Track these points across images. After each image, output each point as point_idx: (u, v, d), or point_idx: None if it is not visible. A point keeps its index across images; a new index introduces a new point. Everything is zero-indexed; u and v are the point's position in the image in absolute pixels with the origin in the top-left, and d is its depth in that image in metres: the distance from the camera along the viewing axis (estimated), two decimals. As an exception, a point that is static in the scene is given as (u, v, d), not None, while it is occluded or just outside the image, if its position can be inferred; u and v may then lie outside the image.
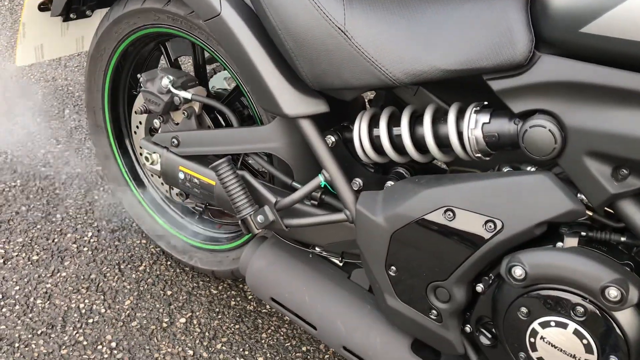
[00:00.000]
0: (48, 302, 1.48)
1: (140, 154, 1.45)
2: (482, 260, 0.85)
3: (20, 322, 1.43)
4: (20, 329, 1.41)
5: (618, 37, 0.69)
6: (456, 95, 0.93)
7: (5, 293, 1.49)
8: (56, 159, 1.86)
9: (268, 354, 1.37)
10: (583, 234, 0.81)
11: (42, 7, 1.45)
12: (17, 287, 1.51)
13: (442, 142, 0.91)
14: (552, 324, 0.79)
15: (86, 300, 1.48)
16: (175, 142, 1.22)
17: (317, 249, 1.12)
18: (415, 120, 0.94)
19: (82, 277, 1.54)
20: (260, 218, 1.03)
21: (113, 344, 1.39)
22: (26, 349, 1.37)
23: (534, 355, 0.82)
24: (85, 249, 1.61)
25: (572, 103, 0.76)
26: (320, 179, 0.99)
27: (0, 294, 1.48)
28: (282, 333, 1.42)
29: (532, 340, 0.82)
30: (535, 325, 0.81)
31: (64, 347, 1.38)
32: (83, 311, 1.46)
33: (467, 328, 0.93)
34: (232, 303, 1.49)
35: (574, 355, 0.79)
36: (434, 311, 0.94)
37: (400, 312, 0.98)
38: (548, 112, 0.78)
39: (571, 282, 0.77)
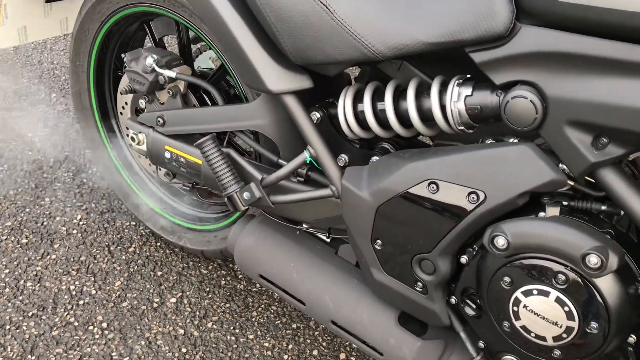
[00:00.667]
0: (38, 284, 1.48)
1: (127, 135, 1.44)
2: (465, 232, 0.86)
3: (10, 305, 1.43)
4: (11, 311, 1.41)
5: (595, 5, 0.69)
6: (439, 69, 0.93)
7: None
8: (43, 142, 1.85)
9: (259, 332, 1.38)
10: (564, 203, 0.81)
11: (25, -12, 1.44)
12: (7, 270, 1.51)
13: (426, 116, 0.91)
14: (535, 292, 0.80)
15: (76, 282, 1.48)
16: (161, 121, 1.22)
17: (304, 225, 1.13)
18: (400, 95, 0.94)
19: (72, 259, 1.54)
20: (246, 195, 1.03)
21: (104, 325, 1.39)
22: (17, 331, 1.37)
23: (517, 323, 0.83)
24: (75, 231, 1.61)
25: (553, 73, 0.76)
26: (305, 155, 1.00)
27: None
28: (272, 311, 1.43)
29: (515, 309, 0.83)
30: (518, 294, 0.82)
31: (55, 328, 1.38)
32: (73, 293, 1.46)
33: (453, 299, 0.94)
34: (222, 282, 1.50)
35: (556, 322, 0.80)
36: (419, 283, 0.94)
37: (387, 285, 0.98)
38: (529, 83, 0.78)
39: (552, 250, 0.77)
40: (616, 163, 0.76)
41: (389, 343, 1.01)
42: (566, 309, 0.78)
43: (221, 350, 1.34)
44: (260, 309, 1.44)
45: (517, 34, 0.78)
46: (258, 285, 1.49)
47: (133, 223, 1.63)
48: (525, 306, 0.82)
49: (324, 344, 1.36)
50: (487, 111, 0.84)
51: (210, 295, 1.46)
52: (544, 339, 0.82)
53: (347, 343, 1.37)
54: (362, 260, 1.01)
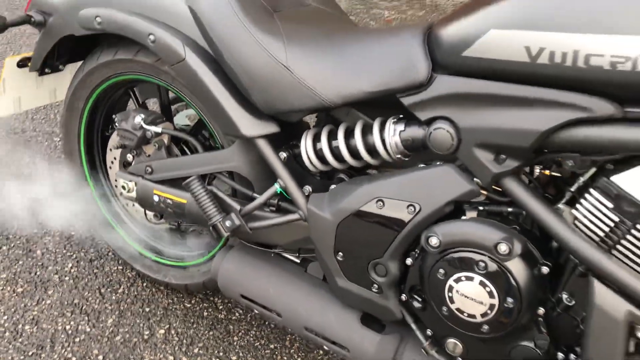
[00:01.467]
0: (36, 327, 1.62)
1: (116, 186, 1.63)
2: (407, 237, 1.07)
3: (11, 347, 1.56)
4: (12, 352, 1.54)
5: (486, 57, 0.94)
6: (379, 112, 1.16)
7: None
8: (32, 202, 2.01)
9: (240, 353, 1.55)
10: (480, 208, 1.04)
11: (20, 64, 1.64)
12: (5, 317, 1.64)
13: (371, 149, 1.14)
14: (463, 278, 1.01)
15: (72, 322, 1.63)
16: (150, 170, 1.42)
17: (277, 249, 1.33)
18: (349, 134, 1.17)
19: (66, 302, 1.68)
20: (228, 223, 1.23)
21: (100, 357, 1.54)
22: (19, 370, 1.50)
23: (452, 307, 1.04)
24: (67, 278, 1.76)
25: (462, 109, 0.99)
26: (276, 187, 1.21)
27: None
28: (251, 335, 1.60)
29: (450, 294, 1.04)
30: (450, 282, 1.03)
31: (54, 365, 1.52)
32: (70, 332, 1.60)
33: (403, 297, 1.14)
34: (205, 314, 1.66)
35: (482, 301, 1.01)
36: (375, 285, 1.15)
37: (349, 290, 1.18)
38: (445, 118, 1.02)
39: (473, 243, 0.99)
40: (515, 173, 0.99)
41: (353, 340, 1.20)
42: (488, 289, 1.00)
43: (208, 371, 1.50)
44: (240, 334, 1.60)
45: (434, 81, 1.02)
46: (237, 314, 1.66)
47: (120, 267, 1.79)
48: (457, 291, 1.03)
49: (297, 356, 1.54)
50: (417, 142, 1.07)
51: (195, 325, 1.62)
52: (473, 316, 1.03)
53: (319, 357, 1.54)
54: (327, 271, 1.21)
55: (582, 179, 0.94)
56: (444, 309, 1.06)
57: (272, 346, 1.57)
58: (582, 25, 0.83)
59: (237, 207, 1.25)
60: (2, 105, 1.67)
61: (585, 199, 0.93)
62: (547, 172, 1.02)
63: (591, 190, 0.92)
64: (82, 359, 1.53)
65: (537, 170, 1.03)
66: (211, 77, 1.19)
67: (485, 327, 1.03)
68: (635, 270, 0.90)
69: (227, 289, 1.36)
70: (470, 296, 1.02)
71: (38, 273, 1.77)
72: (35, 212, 1.89)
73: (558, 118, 0.88)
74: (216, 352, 1.55)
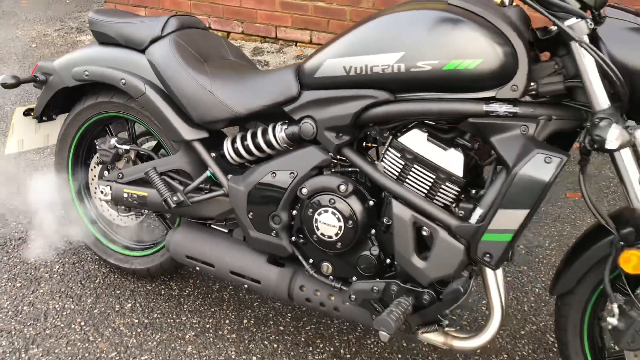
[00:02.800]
0: (32, 307, 2.10)
1: (95, 193, 2.18)
2: (291, 193, 1.65)
3: (13, 320, 2.04)
4: (14, 323, 2.02)
5: (326, 76, 1.56)
6: (271, 121, 1.76)
7: (1, 306, 2.10)
8: (22, 216, 2.52)
9: (189, 315, 2.05)
10: (334, 170, 1.64)
11: (25, 113, 2.22)
12: (8, 302, 2.12)
13: (268, 143, 1.74)
14: (322, 212, 1.59)
15: (59, 303, 2.12)
16: (121, 175, 1.98)
17: (211, 222, 1.89)
18: (254, 136, 1.77)
19: (54, 291, 2.18)
20: (175, 198, 1.80)
21: (82, 323, 2.03)
22: (20, 333, 1.98)
23: (318, 232, 1.60)
24: (55, 275, 2.26)
25: (317, 109, 1.60)
26: (207, 173, 1.79)
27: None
28: (197, 304, 2.11)
29: (316, 225, 1.61)
30: (316, 216, 1.60)
31: (47, 329, 2.00)
32: (58, 309, 2.09)
33: (293, 238, 1.70)
34: (163, 292, 2.17)
35: (334, 225, 1.57)
36: (273, 231, 1.71)
37: (258, 238, 1.74)
38: (309, 116, 1.63)
39: (325, 188, 1.58)
40: (349, 144, 1.59)
41: (263, 274, 1.75)
42: (337, 216, 1.57)
43: (163, 328, 2.00)
44: (189, 303, 2.11)
45: (301, 95, 1.63)
46: (187, 291, 2.18)
47: (97, 265, 2.30)
48: (320, 221, 1.60)
49: (231, 315, 2.05)
50: (295, 134, 1.68)
51: (154, 300, 2.13)
52: (331, 237, 1.59)
53: (249, 314, 2.06)
54: (243, 227, 1.77)
55: (386, 143, 1.56)
56: (314, 236, 1.63)
57: (212, 310, 2.08)
58: (366, 51, 1.47)
59: (181, 188, 1.83)
60: (10, 145, 2.23)
61: (387, 154, 1.54)
62: (369, 144, 1.63)
63: (389, 148, 1.54)
64: (68, 325, 2.02)
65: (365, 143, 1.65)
66: (162, 102, 1.80)
67: (339, 244, 1.60)
68: (416, 191, 1.50)
69: (176, 253, 1.90)
70: (327, 223, 1.59)
71: (32, 272, 2.27)
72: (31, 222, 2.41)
73: (360, 104, 1.50)
74: (171, 315, 2.06)
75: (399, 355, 1.89)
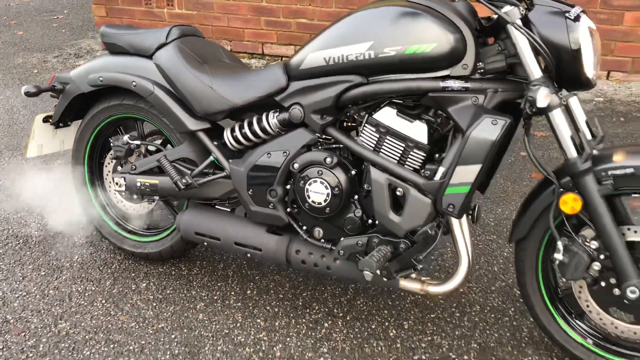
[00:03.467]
0: (57, 290, 2.33)
1: (110, 185, 2.43)
2: (285, 170, 1.91)
3: (42, 302, 2.27)
4: (42, 304, 2.25)
5: (309, 67, 1.84)
6: (264, 110, 2.03)
7: (29, 291, 2.33)
8: (45, 211, 2.76)
9: (197, 289, 2.30)
10: (320, 147, 1.90)
11: (44, 120, 2.48)
12: (35, 288, 2.35)
13: (263, 129, 2.00)
14: (311, 182, 1.85)
15: (81, 286, 2.35)
16: (134, 167, 2.24)
17: (215, 203, 2.15)
18: (250, 124, 2.04)
19: (76, 277, 2.41)
20: (184, 181, 2.06)
21: (103, 301, 2.26)
22: (48, 312, 2.21)
23: (309, 201, 1.86)
24: (75, 264, 2.49)
25: (303, 96, 1.87)
26: (211, 157, 2.06)
27: (25, 292, 2.33)
28: (205, 281, 2.36)
29: (308, 194, 1.87)
30: (307, 186, 1.86)
31: (72, 307, 2.23)
32: (80, 291, 2.33)
33: (289, 209, 1.97)
34: (173, 272, 2.42)
35: (322, 193, 1.83)
36: (271, 204, 1.97)
37: (257, 211, 2.00)
38: (297, 103, 1.90)
39: (314, 161, 1.85)
40: (333, 124, 1.87)
41: (263, 242, 2.01)
42: (324, 185, 1.84)
43: (176, 301, 2.24)
44: (197, 280, 2.36)
45: (289, 86, 1.91)
46: (195, 270, 2.42)
47: (112, 254, 2.54)
48: (310, 191, 1.86)
49: (236, 287, 2.30)
50: (285, 120, 1.94)
51: (166, 279, 2.37)
52: (320, 204, 1.86)
53: (252, 284, 2.30)
54: (244, 203, 2.02)
55: (363, 121, 1.83)
56: (306, 204, 1.89)
57: (219, 284, 2.33)
58: (341, 43, 1.75)
59: (189, 172, 2.09)
60: (31, 149, 2.48)
61: (364, 129, 1.81)
62: (349, 123, 1.90)
63: (366, 124, 1.81)
64: (91, 303, 2.25)
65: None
66: (169, 99, 2.07)
67: (328, 209, 1.86)
68: (390, 158, 1.77)
69: (186, 232, 2.15)
70: (317, 191, 1.85)
71: (54, 263, 2.51)
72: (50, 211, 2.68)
73: (339, 88, 1.78)
74: (182, 291, 2.30)
75: (385, 312, 2.14)
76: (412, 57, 1.67)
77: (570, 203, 1.62)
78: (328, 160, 1.83)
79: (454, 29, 1.64)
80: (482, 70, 1.68)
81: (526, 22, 1.62)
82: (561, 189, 1.65)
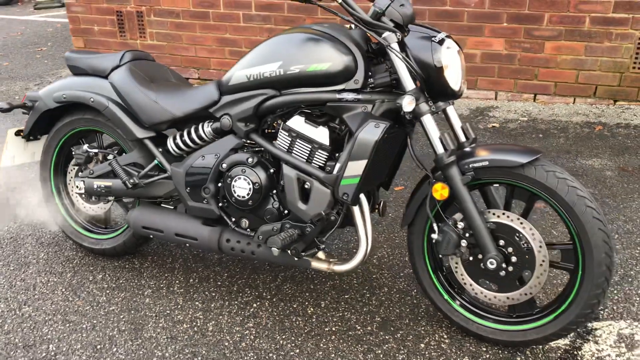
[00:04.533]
0: (23, 282, 2.62)
1: (71, 190, 2.74)
2: (216, 169, 2.24)
3: (9, 291, 2.55)
4: (10, 292, 2.53)
5: (235, 83, 2.19)
6: (201, 121, 2.37)
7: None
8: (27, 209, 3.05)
9: (147, 279, 2.59)
10: (245, 150, 2.23)
11: (16, 133, 2.79)
12: (3, 280, 2.64)
13: (200, 137, 2.33)
14: (237, 179, 2.17)
15: (45, 278, 2.63)
16: (92, 172, 2.56)
17: (160, 201, 2.47)
18: (189, 133, 2.37)
19: (40, 270, 2.70)
20: (132, 181, 2.38)
21: (63, 290, 2.55)
22: (14, 299, 2.49)
23: (235, 195, 2.18)
24: (41, 260, 2.78)
25: (232, 107, 2.22)
26: (155, 161, 2.38)
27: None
28: (154, 272, 2.65)
29: (234, 189, 2.18)
30: (233, 182, 2.18)
31: (35, 295, 2.51)
32: (44, 282, 2.61)
33: (220, 203, 2.28)
34: (127, 266, 2.71)
35: (245, 187, 2.16)
36: (205, 199, 2.29)
37: (194, 206, 2.32)
38: (226, 114, 2.24)
39: (238, 161, 2.18)
40: (255, 130, 2.20)
41: (198, 232, 2.32)
42: (247, 181, 2.16)
43: (127, 288, 2.54)
44: (147, 272, 2.65)
45: (221, 99, 2.25)
46: (146, 264, 2.72)
47: (74, 252, 2.83)
48: (237, 186, 2.19)
49: (180, 277, 2.60)
50: (217, 128, 2.27)
51: (120, 271, 2.67)
52: (244, 197, 2.18)
53: (193, 276, 2.60)
54: (183, 200, 2.34)
55: (278, 127, 2.17)
56: (233, 199, 2.21)
57: (165, 275, 2.63)
58: (258, 62, 2.10)
59: (136, 173, 2.41)
60: (4, 160, 2.79)
61: (279, 134, 2.15)
62: (269, 130, 2.24)
63: (281, 130, 2.15)
64: (52, 291, 2.54)
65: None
66: (120, 112, 2.40)
67: (250, 202, 2.19)
68: (299, 157, 2.10)
69: (135, 226, 2.46)
70: (241, 186, 2.18)
71: (22, 259, 2.79)
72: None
73: (258, 100, 2.12)
74: (133, 280, 2.59)
75: (307, 294, 2.45)
76: (313, 73, 2.02)
77: (439, 191, 1.96)
78: (250, 160, 2.16)
79: (347, 51, 2.00)
80: (372, 85, 2.03)
81: (403, 45, 1.98)
82: (434, 180, 1.99)
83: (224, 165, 2.21)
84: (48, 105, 2.61)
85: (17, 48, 7.38)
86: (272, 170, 2.18)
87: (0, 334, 2.27)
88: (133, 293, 2.51)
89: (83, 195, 2.67)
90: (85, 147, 2.59)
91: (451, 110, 2.10)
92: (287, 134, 2.13)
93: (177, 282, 2.58)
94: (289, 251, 2.13)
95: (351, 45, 2.00)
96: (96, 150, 2.59)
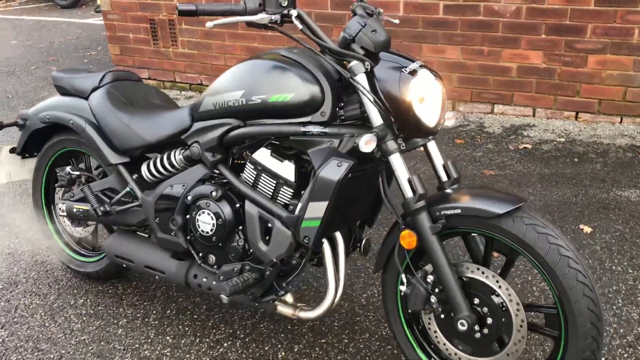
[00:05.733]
0: (7, 303, 2.59)
1: (58, 210, 2.70)
2: (183, 201, 2.11)
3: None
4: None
5: (205, 110, 2.05)
6: (177, 146, 2.25)
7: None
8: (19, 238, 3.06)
9: (125, 307, 2.51)
10: (212, 182, 2.09)
11: (11, 150, 2.78)
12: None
13: (172, 164, 2.21)
14: (201, 213, 2.03)
15: (29, 299, 2.60)
16: (72, 195, 2.50)
17: (134, 229, 2.37)
18: (161, 159, 2.25)
19: (27, 290, 2.67)
20: (102, 208, 2.29)
21: (42, 314, 2.50)
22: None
23: (200, 229, 2.03)
24: (30, 279, 2.76)
25: (201, 135, 2.08)
26: (128, 188, 2.28)
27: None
28: (135, 294, 2.57)
29: (198, 223, 2.04)
30: (197, 216, 2.04)
31: (14, 318, 2.48)
32: (27, 304, 2.58)
33: (188, 236, 2.15)
34: (110, 290, 2.64)
35: (209, 223, 2.01)
36: (173, 232, 2.16)
37: (163, 238, 2.20)
38: (196, 141, 2.10)
39: (203, 194, 2.03)
40: (223, 161, 2.05)
41: (166, 266, 2.20)
42: (211, 216, 2.01)
43: (103, 316, 2.46)
44: (128, 297, 2.57)
45: (192, 126, 2.12)
46: (130, 290, 2.63)
47: (64, 272, 2.79)
48: (199, 220, 2.05)
49: (158, 307, 2.50)
50: (189, 157, 2.15)
51: (102, 296, 2.60)
52: (207, 232, 2.04)
53: (172, 306, 2.50)
54: (152, 231, 2.22)
55: (245, 159, 2.02)
56: (198, 233, 2.07)
57: (145, 304, 2.53)
58: (223, 90, 1.95)
59: (109, 200, 2.32)
60: (1, 175, 2.79)
61: (245, 167, 2.00)
62: (238, 161, 2.09)
63: (247, 163, 1.99)
64: (32, 315, 2.49)
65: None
66: (96, 136, 2.31)
67: (214, 237, 2.04)
68: (264, 193, 1.94)
69: (108, 253, 2.37)
70: (205, 221, 2.04)
71: (13, 278, 2.78)
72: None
73: (222, 129, 1.97)
74: (112, 308, 2.51)
75: (282, 335, 2.28)
76: (275, 104, 1.85)
77: (407, 239, 1.75)
78: (214, 193, 2.02)
79: (314, 80, 1.81)
80: (343, 117, 1.84)
81: (372, 75, 1.77)
82: (403, 226, 1.78)
83: (189, 197, 2.08)
84: (36, 124, 2.57)
85: (68, 52, 7.59)
86: (237, 205, 2.03)
87: (-31, 359, 2.24)
88: (108, 322, 2.43)
89: (66, 218, 2.61)
90: (68, 169, 2.54)
91: (432, 146, 1.88)
92: (252, 167, 1.97)
93: (154, 312, 2.48)
94: (249, 295, 1.98)
95: (319, 73, 1.82)
96: (78, 173, 2.53)
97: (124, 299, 2.58)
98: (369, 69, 1.75)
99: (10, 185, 3.51)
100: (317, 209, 1.79)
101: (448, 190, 1.82)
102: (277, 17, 1.75)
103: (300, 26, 1.76)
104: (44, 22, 10.15)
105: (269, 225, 1.92)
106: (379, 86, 1.75)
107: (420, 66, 1.77)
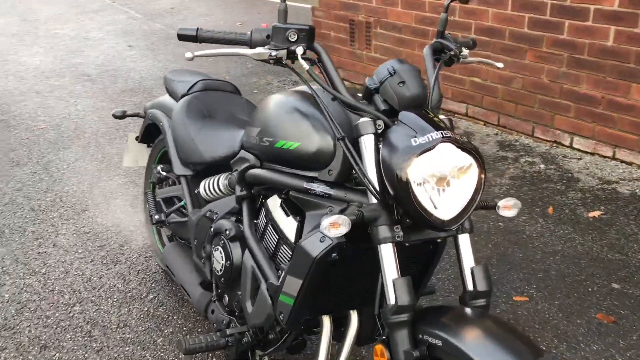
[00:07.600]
0: (100, 279, 2.78)
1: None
2: (209, 234, 1.96)
3: (82, 286, 2.74)
4: (82, 288, 2.72)
5: (244, 139, 1.86)
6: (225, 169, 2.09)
7: (82, 272, 2.84)
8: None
9: (158, 301, 2.49)
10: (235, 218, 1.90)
11: (136, 138, 2.94)
12: (89, 270, 2.85)
13: (219, 188, 2.07)
14: (216, 249, 1.86)
15: (114, 282, 2.76)
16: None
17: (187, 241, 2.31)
18: (216, 180, 2.12)
19: (121, 273, 2.83)
20: (157, 217, 2.27)
21: (115, 299, 2.63)
22: (79, 293, 2.67)
23: (214, 266, 1.88)
24: (127, 261, 2.93)
25: (239, 164, 1.90)
26: (182, 202, 2.22)
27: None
28: (165, 301, 2.53)
29: (214, 258, 1.88)
30: (213, 251, 1.88)
31: (95, 296, 2.65)
32: (111, 285, 2.73)
33: (212, 268, 2.00)
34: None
35: (220, 262, 1.83)
36: (202, 259, 2.03)
37: (196, 262, 2.09)
38: (237, 170, 1.93)
39: (219, 230, 1.85)
40: (250, 198, 1.84)
41: (191, 291, 2.09)
42: (222, 255, 1.83)
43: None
44: (185, 310, 2.55)
45: (240, 152, 1.94)
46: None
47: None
48: (214, 256, 1.87)
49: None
50: (233, 184, 1.99)
51: (170, 300, 2.62)
52: (219, 271, 1.86)
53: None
54: (193, 250, 2.13)
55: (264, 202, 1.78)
56: (214, 268, 1.91)
57: (174, 317, 2.48)
58: (252, 124, 1.73)
59: (165, 210, 2.29)
60: (126, 160, 2.98)
61: (261, 210, 1.76)
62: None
63: (263, 208, 1.75)
64: (107, 298, 2.64)
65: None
66: (171, 142, 2.29)
67: (222, 279, 1.86)
68: (266, 246, 1.69)
69: (161, 262, 2.38)
70: (217, 259, 1.86)
71: (114, 257, 2.98)
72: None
73: (244, 164, 1.75)
74: (169, 312, 2.52)
75: (293, 401, 2.02)
76: (281, 151, 1.58)
77: (379, 356, 1.34)
78: (228, 232, 1.83)
79: (326, 130, 1.50)
80: (357, 180, 1.49)
81: (385, 138, 1.38)
82: (377, 336, 1.37)
83: (212, 230, 1.92)
84: (147, 119, 2.67)
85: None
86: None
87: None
88: (157, 326, 2.43)
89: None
90: (159, 167, 2.58)
91: (464, 241, 1.42)
92: (264, 214, 1.73)
93: (199, 329, 2.40)
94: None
95: (335, 123, 1.48)
96: (165, 174, 2.56)
97: (183, 306, 2.56)
98: (380, 130, 1.37)
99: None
100: (292, 285, 1.50)
101: (469, 310, 1.35)
102: (282, 52, 1.46)
103: (306, 67, 1.45)
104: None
105: (258, 285, 1.67)
106: (382, 155, 1.35)
107: (446, 137, 1.31)
